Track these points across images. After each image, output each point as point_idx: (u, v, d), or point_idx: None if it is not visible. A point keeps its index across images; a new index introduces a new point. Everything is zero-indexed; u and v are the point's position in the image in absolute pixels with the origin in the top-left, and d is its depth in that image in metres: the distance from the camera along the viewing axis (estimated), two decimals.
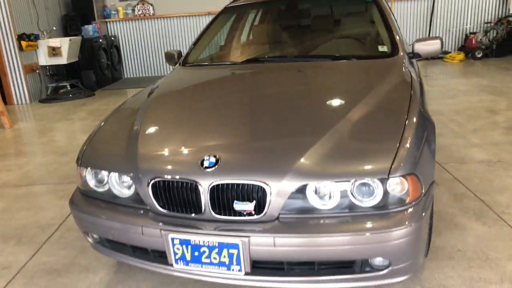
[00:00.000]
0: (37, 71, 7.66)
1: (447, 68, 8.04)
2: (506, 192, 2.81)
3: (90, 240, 2.04)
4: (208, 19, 9.02)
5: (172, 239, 1.66)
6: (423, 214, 1.62)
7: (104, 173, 1.90)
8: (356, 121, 1.84)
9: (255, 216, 1.62)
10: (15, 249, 2.53)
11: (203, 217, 1.67)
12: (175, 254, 1.68)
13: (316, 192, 1.61)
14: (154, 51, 9.64)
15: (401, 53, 2.61)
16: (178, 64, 3.12)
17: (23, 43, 7.17)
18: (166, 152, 1.83)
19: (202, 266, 1.67)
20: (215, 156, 1.68)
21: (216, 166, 1.65)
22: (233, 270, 1.64)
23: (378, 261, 1.65)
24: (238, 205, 1.61)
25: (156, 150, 1.85)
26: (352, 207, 1.60)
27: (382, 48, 2.76)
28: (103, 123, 2.25)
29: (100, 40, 8.52)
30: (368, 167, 1.59)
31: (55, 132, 5.29)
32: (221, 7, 3.60)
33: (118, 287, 2.09)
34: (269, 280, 1.67)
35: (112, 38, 9.21)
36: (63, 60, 7.56)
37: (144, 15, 9.39)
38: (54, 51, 7.44)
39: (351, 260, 1.65)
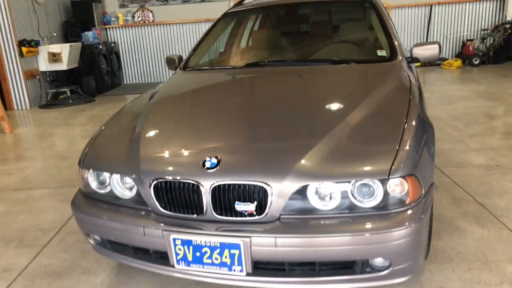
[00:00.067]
0: (37, 76, 7.69)
1: (444, 75, 8.08)
2: (504, 195, 2.83)
3: (91, 241, 2.05)
4: (207, 26, 9.08)
5: (174, 239, 1.67)
6: (423, 215, 1.63)
7: (106, 175, 1.92)
8: (356, 123, 1.86)
9: (257, 217, 1.63)
10: (16, 252, 2.53)
11: (205, 218, 1.68)
12: (177, 254, 1.69)
13: (316, 192, 1.63)
14: (153, 57, 9.69)
15: (400, 57, 2.64)
16: (178, 69, 3.14)
17: (24, 49, 7.20)
18: (167, 153, 1.85)
19: (203, 267, 1.67)
20: (216, 157, 1.70)
21: (218, 167, 1.66)
22: (234, 270, 1.65)
23: (378, 261, 1.66)
24: (239, 206, 1.63)
25: (157, 152, 1.86)
26: (352, 207, 1.62)
27: (381, 53, 2.79)
28: (104, 125, 2.27)
29: (100, 47, 8.56)
30: (368, 168, 1.61)
31: (55, 137, 5.30)
32: (220, 14, 3.64)
33: None
34: (270, 281, 1.68)
35: (112, 45, 9.25)
36: (63, 66, 7.59)
37: (144, 22, 9.45)
38: (54, 57, 7.47)
39: (351, 261, 1.66)
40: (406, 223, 1.57)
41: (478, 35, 9.24)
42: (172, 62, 3.21)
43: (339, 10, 4.06)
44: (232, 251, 1.61)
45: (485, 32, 9.08)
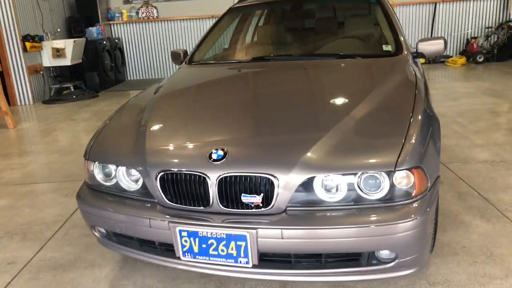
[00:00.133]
0: (41, 72, 7.70)
1: (449, 72, 8.06)
2: (509, 190, 2.82)
3: (96, 234, 2.05)
4: (212, 22, 9.07)
5: (180, 231, 1.67)
6: (429, 207, 1.63)
7: (112, 167, 1.92)
8: (362, 117, 1.85)
9: (263, 209, 1.63)
10: (20, 245, 2.54)
11: (211, 210, 1.68)
12: (183, 246, 1.69)
13: (323, 184, 1.63)
14: (157, 53, 9.69)
15: (405, 52, 2.64)
16: (184, 63, 3.14)
17: (27, 44, 7.21)
18: (174, 145, 1.85)
19: (209, 259, 1.68)
20: (223, 149, 1.70)
21: (224, 159, 1.66)
22: (240, 262, 1.65)
23: (384, 254, 1.66)
24: (246, 198, 1.63)
25: (164, 144, 1.86)
26: (358, 200, 1.62)
27: (387, 47, 2.78)
28: (110, 118, 2.27)
29: (104, 42, 8.57)
30: (374, 160, 1.61)
31: (59, 132, 5.31)
32: (224, 11, 3.63)
33: (123, 282, 2.09)
34: (276, 273, 1.68)
35: (116, 40, 9.26)
36: (67, 61, 7.60)
37: (148, 18, 9.44)
38: (58, 53, 7.48)
39: (357, 253, 1.66)
40: (412, 215, 1.57)
41: (482, 33, 9.21)
42: (177, 57, 3.20)
43: (345, 5, 4.05)
44: (239, 243, 1.61)
45: (489, 30, 9.05)
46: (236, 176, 1.63)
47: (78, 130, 5.35)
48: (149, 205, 1.79)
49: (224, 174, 1.63)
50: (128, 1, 9.51)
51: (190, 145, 1.82)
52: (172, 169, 1.71)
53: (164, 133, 1.97)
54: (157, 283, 2.06)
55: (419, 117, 1.82)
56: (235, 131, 1.89)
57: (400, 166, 1.58)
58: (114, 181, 1.92)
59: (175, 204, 1.73)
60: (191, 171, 1.68)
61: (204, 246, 1.66)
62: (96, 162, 1.96)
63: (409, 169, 1.59)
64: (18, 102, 7.48)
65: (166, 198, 1.74)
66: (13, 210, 3.06)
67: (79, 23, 8.54)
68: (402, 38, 2.76)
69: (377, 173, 1.59)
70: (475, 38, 8.99)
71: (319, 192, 1.62)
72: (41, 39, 7.56)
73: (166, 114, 2.15)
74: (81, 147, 4.54)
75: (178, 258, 1.74)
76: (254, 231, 1.59)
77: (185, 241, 1.68)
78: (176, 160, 1.74)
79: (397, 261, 1.64)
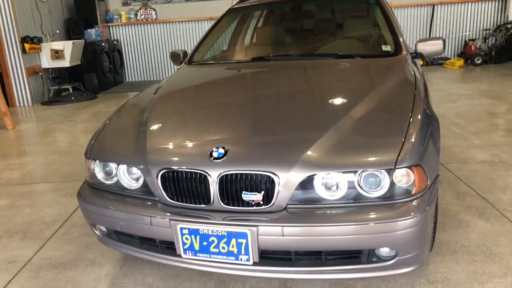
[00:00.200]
0: (40, 73, 7.69)
1: (447, 74, 8.09)
2: (508, 190, 2.83)
3: (97, 232, 2.06)
4: (210, 24, 9.08)
5: (181, 229, 1.68)
6: (429, 205, 1.64)
7: (113, 166, 1.93)
8: (362, 115, 1.86)
9: (264, 207, 1.64)
10: (20, 244, 2.54)
11: (212, 208, 1.69)
12: (184, 244, 1.70)
13: (323, 182, 1.64)
14: (156, 55, 9.69)
15: (404, 52, 2.65)
16: (184, 63, 3.15)
17: (26, 46, 7.20)
18: (174, 144, 1.85)
19: (210, 256, 1.68)
20: (223, 148, 1.71)
21: (225, 157, 1.67)
22: (241, 259, 1.65)
23: (384, 251, 1.67)
24: (246, 196, 1.64)
25: (164, 142, 1.87)
26: (358, 197, 1.63)
27: (386, 48, 2.80)
28: (110, 118, 2.27)
29: (103, 44, 8.57)
30: (375, 158, 1.62)
31: (58, 133, 5.31)
32: (223, 12, 3.64)
33: (124, 280, 2.10)
34: (277, 271, 1.69)
35: (115, 42, 9.26)
36: (65, 63, 7.60)
37: (147, 20, 9.45)
38: (57, 54, 7.48)
39: (358, 251, 1.67)
40: (412, 213, 1.58)
41: (480, 35, 9.24)
42: (176, 57, 3.21)
43: (344, 6, 4.07)
44: (239, 240, 1.62)
45: (487, 32, 9.08)
46: (237, 174, 1.64)
47: (77, 131, 5.35)
48: (150, 203, 1.80)
49: (225, 172, 1.64)
50: (127, 3, 9.52)
51: (191, 144, 1.83)
52: (173, 167, 1.71)
53: (164, 131, 1.98)
54: (158, 281, 2.06)
55: (419, 116, 1.83)
56: (236, 130, 1.90)
57: (400, 164, 1.59)
58: (115, 179, 1.92)
59: (176, 202, 1.74)
60: (192, 169, 1.68)
61: (205, 243, 1.67)
62: (97, 161, 1.96)
63: (409, 167, 1.60)
64: (17, 103, 7.47)
65: (167, 196, 1.74)
66: (12, 209, 3.06)
67: (78, 25, 8.53)
68: (401, 39, 2.78)
69: (377, 171, 1.60)
70: (473, 40, 9.02)
71: (320, 190, 1.63)
72: (40, 40, 7.57)
73: (166, 113, 2.16)
74: (80, 147, 4.54)
75: (179, 256, 1.74)
76: (255, 228, 1.59)
77: (186, 238, 1.69)
78: (177, 158, 1.75)
79: (397, 258, 1.65)
